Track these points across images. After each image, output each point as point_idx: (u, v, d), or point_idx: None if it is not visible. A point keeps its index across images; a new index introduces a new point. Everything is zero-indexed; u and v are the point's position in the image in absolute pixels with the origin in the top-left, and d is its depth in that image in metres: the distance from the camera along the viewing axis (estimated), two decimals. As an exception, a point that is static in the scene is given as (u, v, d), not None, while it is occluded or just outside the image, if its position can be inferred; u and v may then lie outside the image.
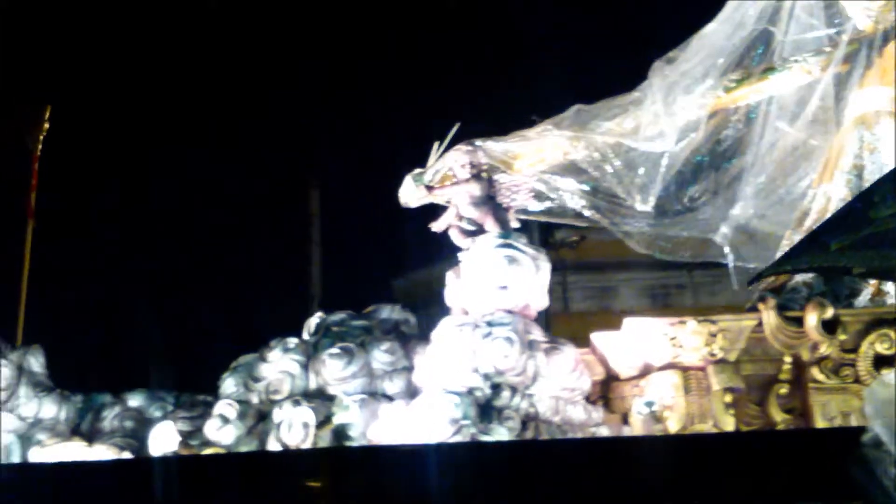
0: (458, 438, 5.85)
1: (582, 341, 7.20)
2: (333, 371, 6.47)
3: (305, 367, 6.60)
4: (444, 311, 7.25)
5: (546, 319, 14.38)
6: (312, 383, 6.55)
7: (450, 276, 7.11)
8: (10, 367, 6.88)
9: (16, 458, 6.50)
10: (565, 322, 14.75)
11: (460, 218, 7.23)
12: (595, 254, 16.83)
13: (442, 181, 7.39)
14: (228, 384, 6.83)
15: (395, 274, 20.58)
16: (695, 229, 7.62)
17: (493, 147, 7.36)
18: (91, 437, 6.86)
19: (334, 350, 6.52)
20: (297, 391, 6.52)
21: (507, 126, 7.64)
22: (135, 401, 7.08)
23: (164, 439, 6.34)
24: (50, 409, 6.91)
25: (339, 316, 7.03)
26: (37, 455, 6.40)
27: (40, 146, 13.09)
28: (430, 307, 19.04)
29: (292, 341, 6.78)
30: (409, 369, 6.67)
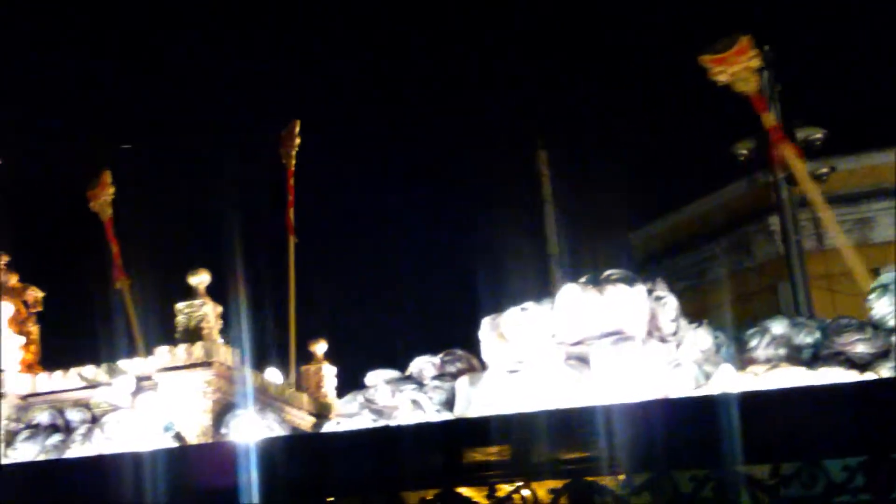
0: None
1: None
2: None
3: None
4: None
5: (801, 258, 14.69)
6: None
7: None
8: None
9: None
10: (821, 260, 14.42)
11: None
12: (847, 184, 16.17)
13: None
14: (883, 304, 6.85)
15: (631, 228, 21.02)
16: None
17: None
18: (743, 365, 7.05)
19: None
20: None
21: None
22: (779, 328, 7.14)
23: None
24: (706, 339, 7.13)
25: None
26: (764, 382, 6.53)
27: (294, 161, 13.71)
28: (667, 258, 19.35)
29: None
30: None
